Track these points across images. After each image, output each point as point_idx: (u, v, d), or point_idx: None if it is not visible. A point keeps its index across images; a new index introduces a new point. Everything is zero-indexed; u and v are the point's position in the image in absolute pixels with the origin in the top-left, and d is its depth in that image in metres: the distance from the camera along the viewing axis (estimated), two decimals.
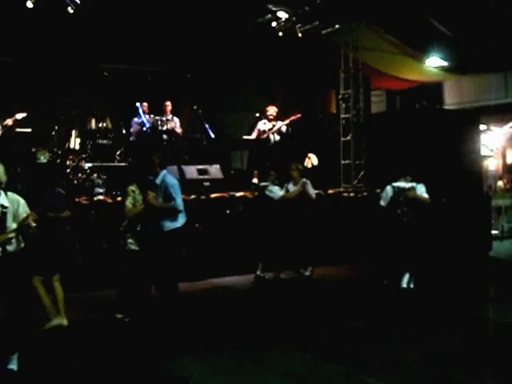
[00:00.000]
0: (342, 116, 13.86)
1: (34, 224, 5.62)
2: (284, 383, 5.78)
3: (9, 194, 5.72)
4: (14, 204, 5.71)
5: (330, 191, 12.36)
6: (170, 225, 7.61)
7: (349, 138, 13.65)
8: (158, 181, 7.62)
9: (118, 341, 6.99)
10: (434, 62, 15.63)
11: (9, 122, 11.33)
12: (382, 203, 9.07)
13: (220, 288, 10.01)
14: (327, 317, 7.95)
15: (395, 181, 9.02)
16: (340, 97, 13.93)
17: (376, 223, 9.66)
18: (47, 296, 7.23)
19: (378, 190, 12.44)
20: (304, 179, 10.42)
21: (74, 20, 11.26)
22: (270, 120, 12.66)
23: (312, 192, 10.45)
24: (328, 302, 8.89)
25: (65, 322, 7.30)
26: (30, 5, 10.70)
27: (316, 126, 14.39)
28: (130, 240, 7.55)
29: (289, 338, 6.99)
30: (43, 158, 8.09)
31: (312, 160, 13.41)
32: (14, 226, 5.59)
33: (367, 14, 12.89)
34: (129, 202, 7.54)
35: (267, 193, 10.38)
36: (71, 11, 11.03)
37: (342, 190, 13.12)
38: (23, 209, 5.73)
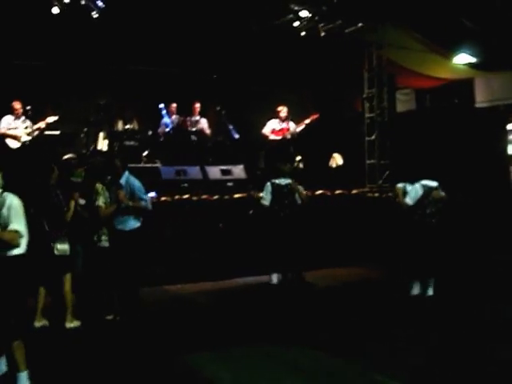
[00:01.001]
0: (367, 115, 13.86)
1: None
2: (293, 378, 5.90)
3: (6, 195, 5.41)
4: (4, 208, 5.37)
5: (354, 191, 12.35)
6: (133, 223, 7.88)
7: (373, 137, 13.63)
8: (122, 181, 7.87)
9: (137, 337, 7.14)
10: (463, 59, 15.42)
11: (41, 125, 11.66)
12: (409, 202, 8.54)
13: (242, 287, 10.10)
14: (342, 317, 8.01)
15: (421, 179, 8.63)
16: (364, 96, 13.93)
17: (396, 223, 9.46)
18: (42, 302, 7.49)
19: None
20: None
21: (100, 24, 11.47)
22: (282, 120, 12.78)
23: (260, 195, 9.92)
24: (344, 303, 8.90)
25: (72, 324, 7.43)
26: (55, 11, 10.94)
27: (341, 126, 14.38)
28: (103, 237, 7.79)
29: (302, 337, 7.08)
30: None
31: (337, 160, 13.45)
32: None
33: (392, 12, 12.82)
34: (101, 202, 7.76)
35: None
36: (96, 16, 11.24)
37: (366, 189, 13.10)
38: (7, 212, 5.35)
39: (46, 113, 11.76)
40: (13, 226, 5.26)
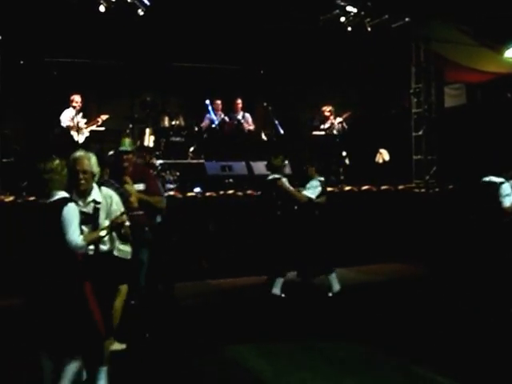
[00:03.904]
0: (414, 110, 13.69)
1: (127, 223, 5.22)
2: (332, 370, 5.93)
3: (103, 188, 5.43)
4: (108, 200, 5.36)
5: (401, 187, 12.22)
6: None
7: (421, 132, 13.47)
8: None
9: (180, 329, 7.27)
10: None
11: (97, 121, 11.84)
12: (508, 204, 7.47)
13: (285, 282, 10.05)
14: (384, 312, 7.95)
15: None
16: (411, 91, 13.78)
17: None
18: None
19: (451, 186, 12.29)
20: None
21: (145, 21, 11.59)
22: (327, 119, 12.77)
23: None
24: (387, 298, 8.81)
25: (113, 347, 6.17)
26: (102, 9, 11.11)
27: (387, 121, 14.24)
28: None
29: (343, 331, 7.09)
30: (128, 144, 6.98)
31: (383, 155, 13.31)
32: (107, 223, 5.18)
33: (439, 6, 12.60)
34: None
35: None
36: (141, 13, 11.37)
37: (413, 185, 12.94)
38: (117, 206, 5.40)
39: (91, 109, 11.95)
40: None
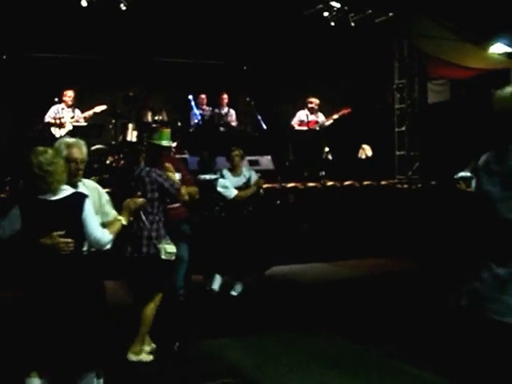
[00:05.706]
0: (397, 106, 13.73)
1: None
2: (317, 365, 5.90)
3: (84, 180, 4.86)
4: (94, 193, 4.86)
5: (383, 182, 12.27)
6: None
7: (403, 128, 13.51)
8: None
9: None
10: (499, 49, 15.09)
11: (88, 114, 11.77)
12: None
13: (271, 277, 10.03)
14: (366, 306, 7.93)
15: None
16: (394, 86, 13.81)
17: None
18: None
19: (433, 182, 12.34)
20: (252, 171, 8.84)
21: (128, 16, 11.54)
22: (312, 112, 12.71)
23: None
24: (369, 292, 8.80)
25: (133, 358, 5.90)
26: (84, 3, 11.05)
27: (370, 117, 14.28)
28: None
29: (330, 325, 7.09)
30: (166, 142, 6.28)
31: (366, 151, 13.37)
32: (100, 219, 4.64)
33: (423, 0, 12.63)
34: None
35: (220, 189, 8.44)
36: (124, 8, 11.32)
37: (395, 181, 12.99)
38: (105, 198, 5.00)
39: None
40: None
